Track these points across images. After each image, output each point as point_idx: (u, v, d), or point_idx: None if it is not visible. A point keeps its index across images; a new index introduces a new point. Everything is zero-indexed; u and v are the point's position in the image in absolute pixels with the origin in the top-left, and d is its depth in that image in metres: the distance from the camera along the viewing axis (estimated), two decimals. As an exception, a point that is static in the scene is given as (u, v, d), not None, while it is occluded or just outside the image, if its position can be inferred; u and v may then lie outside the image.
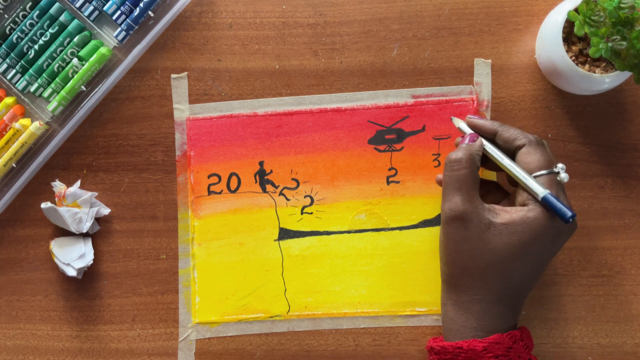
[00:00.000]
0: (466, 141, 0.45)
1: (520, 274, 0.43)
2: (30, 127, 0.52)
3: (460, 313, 0.44)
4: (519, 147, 0.44)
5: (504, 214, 0.43)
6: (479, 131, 0.47)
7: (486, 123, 0.46)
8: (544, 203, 0.42)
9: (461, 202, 0.43)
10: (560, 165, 0.43)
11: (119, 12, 0.52)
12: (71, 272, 0.52)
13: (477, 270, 0.43)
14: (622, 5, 0.43)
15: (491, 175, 0.51)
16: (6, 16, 0.53)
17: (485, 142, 0.46)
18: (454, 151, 0.45)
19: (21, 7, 0.53)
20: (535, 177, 0.43)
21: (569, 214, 0.41)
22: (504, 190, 0.49)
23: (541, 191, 0.42)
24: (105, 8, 0.52)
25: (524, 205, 0.43)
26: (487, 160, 0.46)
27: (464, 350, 0.43)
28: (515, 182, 0.45)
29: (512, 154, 0.45)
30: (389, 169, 0.53)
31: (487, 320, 0.44)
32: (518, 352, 0.43)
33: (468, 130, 0.47)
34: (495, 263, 0.43)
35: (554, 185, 0.42)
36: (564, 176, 0.43)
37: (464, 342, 0.43)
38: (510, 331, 0.44)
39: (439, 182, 0.47)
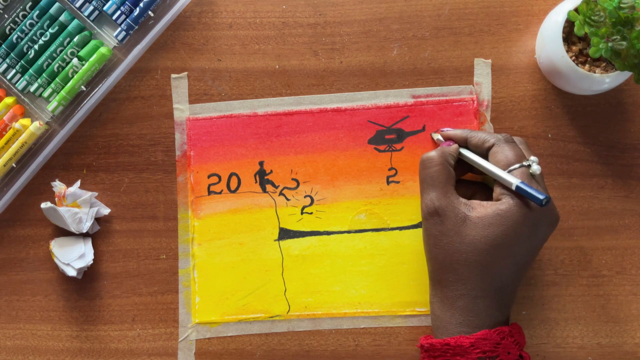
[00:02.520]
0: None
1: (501, 267, 0.44)
2: (30, 127, 0.52)
3: (445, 309, 0.45)
4: (490, 148, 0.46)
5: (480, 208, 0.44)
6: (452, 139, 0.49)
7: (457, 132, 0.49)
8: (518, 191, 0.43)
9: (436, 197, 0.45)
10: (532, 158, 0.44)
11: (119, 12, 0.52)
12: (71, 272, 0.52)
13: (457, 265, 0.44)
14: (622, 5, 0.43)
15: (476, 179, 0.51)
16: (6, 16, 0.53)
17: (461, 148, 0.48)
18: (427, 152, 0.47)
19: (21, 7, 0.53)
20: (508, 172, 0.44)
21: (542, 196, 0.41)
22: (491, 191, 0.49)
23: (514, 180, 0.43)
24: (105, 8, 0.52)
25: (498, 200, 0.44)
26: (472, 167, 0.48)
27: (451, 346, 0.43)
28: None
29: (485, 155, 0.47)
30: (389, 169, 0.53)
31: (472, 316, 0.44)
32: (507, 348, 0.43)
33: (443, 140, 0.50)
34: (472, 257, 0.43)
35: (527, 178, 0.43)
36: (536, 168, 0.44)
37: (451, 339, 0.43)
38: (499, 327, 0.44)
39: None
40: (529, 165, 0.44)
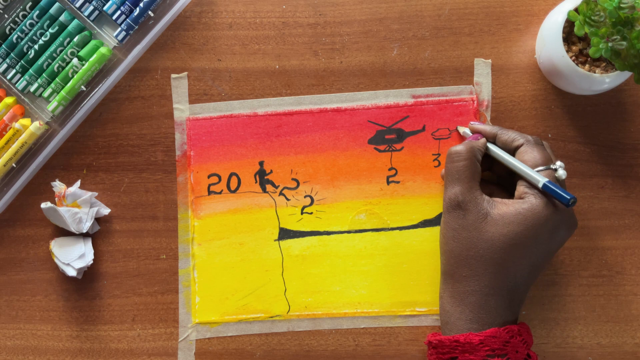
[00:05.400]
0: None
1: (516, 267, 0.44)
2: (30, 127, 0.52)
3: (456, 305, 0.45)
4: (518, 147, 0.46)
5: (501, 206, 0.44)
6: (482, 134, 0.49)
7: (486, 127, 0.49)
8: (544, 189, 0.43)
9: (460, 191, 0.45)
10: (558, 162, 0.45)
11: (119, 12, 0.52)
12: (71, 272, 0.52)
13: (472, 260, 0.44)
14: (622, 5, 0.43)
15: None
16: (6, 16, 0.53)
17: (488, 142, 0.48)
18: (455, 145, 0.47)
19: (21, 7, 0.53)
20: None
21: (569, 196, 0.42)
22: (509, 192, 0.49)
23: (542, 179, 0.43)
24: (105, 8, 0.52)
25: (520, 198, 0.44)
26: (492, 165, 0.49)
27: (460, 343, 0.43)
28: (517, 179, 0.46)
29: (512, 154, 0.47)
30: (389, 169, 0.53)
31: (483, 313, 0.44)
32: (516, 346, 0.43)
33: (470, 134, 0.50)
34: (489, 253, 0.43)
35: (552, 180, 0.44)
36: (561, 173, 0.44)
37: (460, 336, 0.43)
38: (508, 325, 0.44)
39: (443, 177, 0.49)
40: (555, 170, 0.44)
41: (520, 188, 0.45)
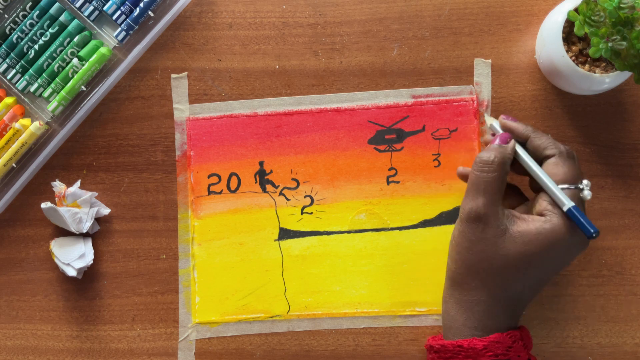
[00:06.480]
0: (497, 141, 0.45)
1: (525, 283, 0.44)
2: (30, 127, 0.52)
3: (461, 312, 0.44)
4: (548, 157, 0.44)
5: (521, 223, 0.43)
6: (511, 133, 0.46)
7: (519, 126, 0.46)
8: (568, 215, 0.42)
9: (484, 205, 0.43)
10: (585, 182, 0.43)
11: (119, 12, 0.52)
12: (71, 272, 0.52)
13: (484, 273, 0.43)
14: (622, 5, 0.43)
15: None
16: (6, 16, 0.53)
17: (517, 145, 0.45)
18: (485, 151, 0.44)
19: (21, 7, 0.53)
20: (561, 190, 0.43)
21: (593, 230, 0.41)
22: (523, 194, 0.48)
23: (568, 202, 0.42)
24: (105, 8, 0.52)
25: (541, 214, 0.43)
26: (512, 163, 0.46)
27: (464, 348, 0.43)
28: (537, 189, 0.45)
29: (539, 161, 0.45)
30: (389, 169, 0.53)
31: (488, 321, 0.44)
32: (518, 351, 0.43)
33: (500, 130, 0.47)
34: (503, 269, 0.43)
35: (577, 201, 0.42)
36: (587, 193, 0.43)
37: (464, 341, 0.43)
38: (510, 330, 0.44)
39: (461, 176, 0.47)
40: (582, 189, 0.43)
41: (543, 204, 0.43)
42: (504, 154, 0.44)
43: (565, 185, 0.43)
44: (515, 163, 0.46)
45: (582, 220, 0.41)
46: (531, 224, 0.42)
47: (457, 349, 0.43)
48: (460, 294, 0.45)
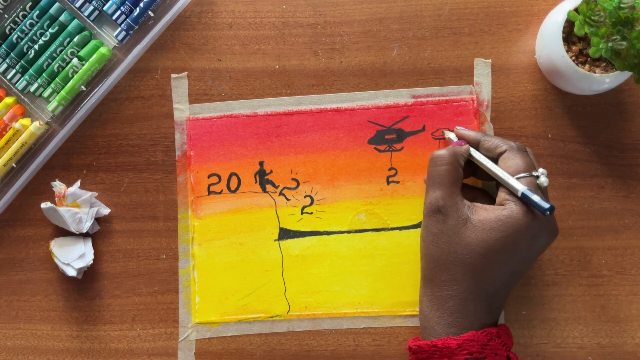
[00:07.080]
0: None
1: (495, 272, 0.44)
2: (30, 127, 0.52)
3: (434, 309, 0.45)
4: (501, 154, 0.46)
5: (482, 212, 0.44)
6: (465, 140, 0.49)
7: (471, 133, 0.49)
8: (523, 198, 0.43)
9: (441, 196, 0.45)
10: (541, 170, 0.44)
11: (119, 12, 0.52)
12: (71, 272, 0.52)
13: (452, 265, 0.44)
14: (622, 5, 0.43)
15: (479, 185, 0.51)
16: (6, 16, 0.53)
17: (471, 148, 0.48)
18: (438, 149, 0.47)
19: (21, 7, 0.53)
20: (516, 179, 0.44)
21: (546, 205, 0.42)
22: (492, 197, 0.49)
23: (520, 187, 0.43)
24: (105, 8, 0.52)
25: (501, 204, 0.44)
26: (476, 170, 0.48)
27: (439, 348, 0.43)
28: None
29: (495, 161, 0.47)
30: (389, 169, 0.53)
31: (461, 318, 0.44)
32: (494, 349, 0.43)
33: (455, 139, 0.50)
34: (468, 259, 0.43)
35: (533, 188, 0.43)
36: (543, 180, 0.44)
37: (438, 340, 0.43)
38: (486, 328, 0.44)
39: (426, 182, 0.48)
40: (537, 177, 0.44)
41: (502, 195, 0.45)
42: (454, 149, 0.47)
43: (521, 175, 0.44)
44: (478, 169, 0.48)
45: (534, 199, 0.42)
46: (491, 212, 0.44)
47: (432, 349, 0.44)
48: (432, 290, 0.45)
